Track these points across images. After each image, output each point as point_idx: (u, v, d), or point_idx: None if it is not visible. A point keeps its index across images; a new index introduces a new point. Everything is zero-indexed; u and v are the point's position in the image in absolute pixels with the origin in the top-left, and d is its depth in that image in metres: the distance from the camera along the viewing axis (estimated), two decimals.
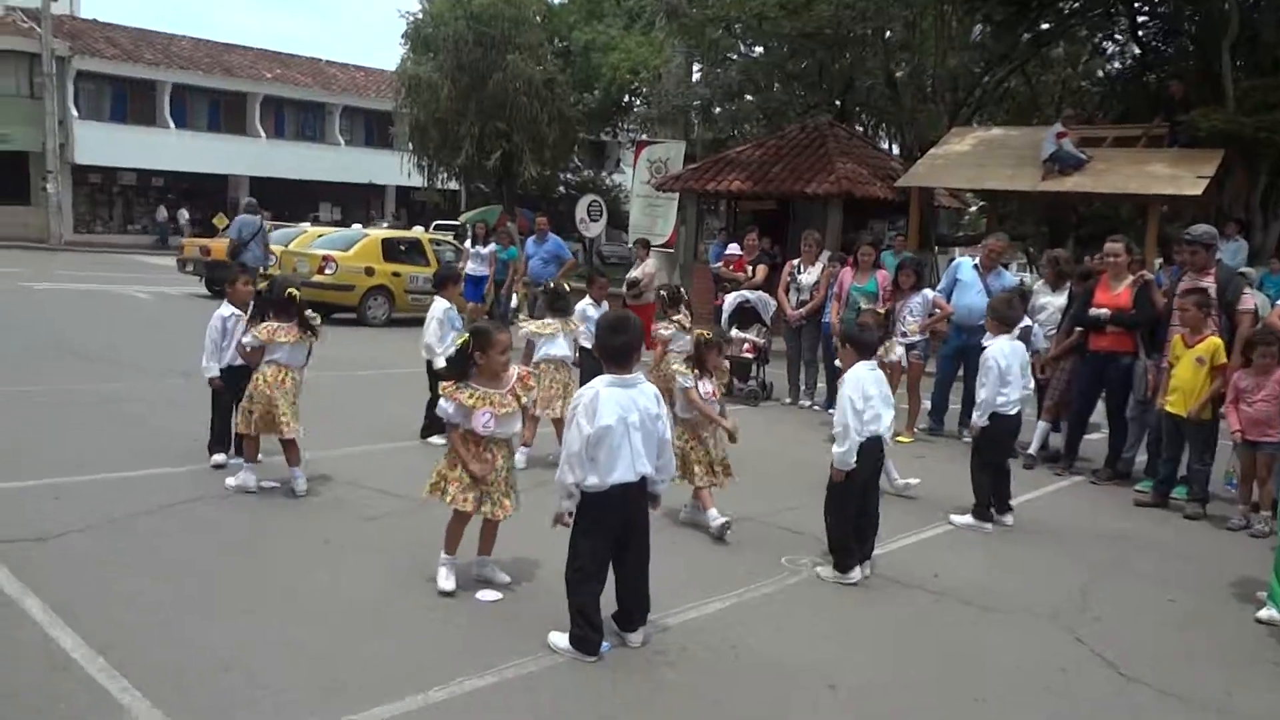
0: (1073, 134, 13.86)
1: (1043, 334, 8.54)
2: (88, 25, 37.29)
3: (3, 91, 32.74)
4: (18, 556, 4.69)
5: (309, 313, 6.21)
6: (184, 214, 35.98)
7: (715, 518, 5.82)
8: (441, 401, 4.62)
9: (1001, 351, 6.40)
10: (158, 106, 36.02)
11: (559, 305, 7.45)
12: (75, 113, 33.65)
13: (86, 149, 33.78)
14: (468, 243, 15.86)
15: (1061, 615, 4.93)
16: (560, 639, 4.08)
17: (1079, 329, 8.00)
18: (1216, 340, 6.89)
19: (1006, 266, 10.46)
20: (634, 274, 12.92)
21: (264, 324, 6.10)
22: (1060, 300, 8.66)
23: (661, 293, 9.13)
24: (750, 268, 11.86)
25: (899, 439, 8.00)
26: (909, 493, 7.01)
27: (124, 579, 4.56)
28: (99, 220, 36.35)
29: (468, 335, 4.72)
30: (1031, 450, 8.38)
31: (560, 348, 7.28)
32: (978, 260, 9.43)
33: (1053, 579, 5.52)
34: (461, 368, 4.64)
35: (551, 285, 7.91)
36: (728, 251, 12.40)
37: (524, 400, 4.74)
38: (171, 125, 36.12)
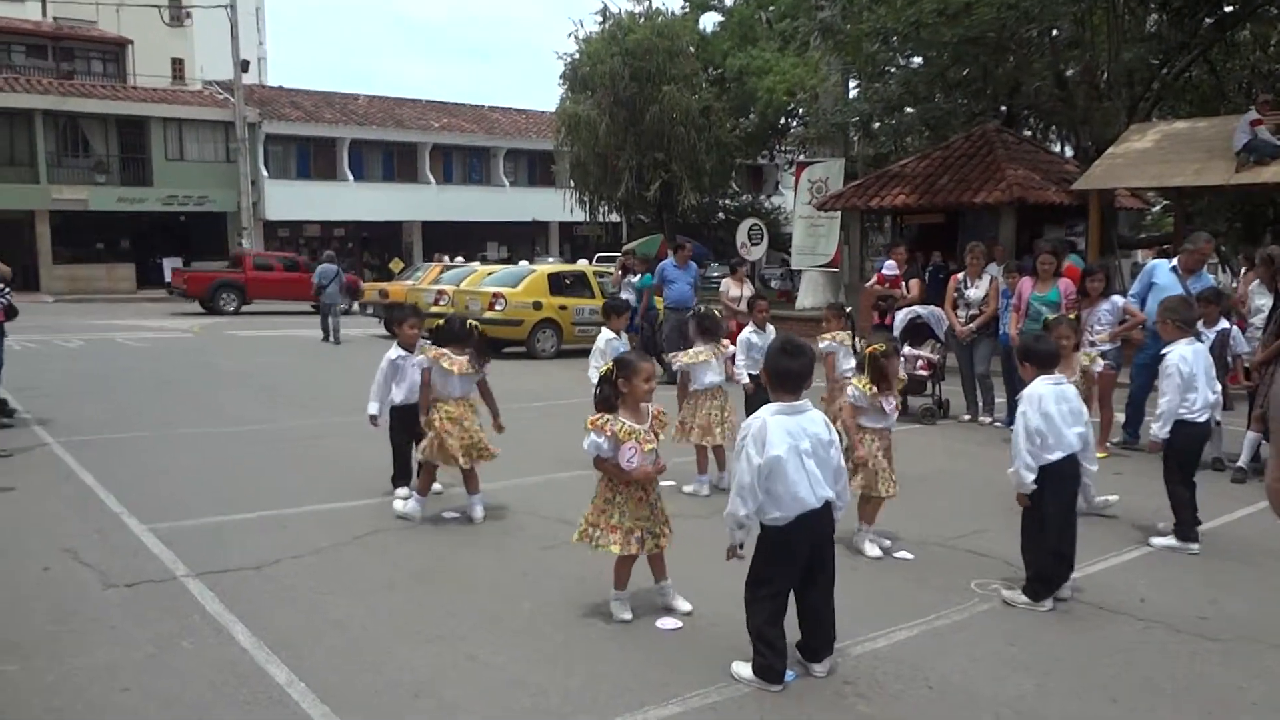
0: (1269, 120, 12.85)
1: (1244, 337, 7.92)
2: (274, 92, 40.31)
3: (203, 158, 35.70)
4: (231, 584, 5.00)
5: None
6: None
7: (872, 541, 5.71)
8: (591, 435, 4.53)
9: (1183, 357, 5.93)
10: (338, 161, 38.38)
11: (709, 329, 7.37)
12: (265, 173, 36.29)
13: (276, 205, 36.35)
14: (617, 273, 15.97)
15: None
16: (744, 668, 4.00)
17: None
18: None
19: None
20: (747, 293, 12.57)
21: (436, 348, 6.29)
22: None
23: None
24: (904, 284, 11.61)
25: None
26: (1107, 511, 6.58)
27: (326, 606, 4.77)
28: None
29: (611, 364, 4.69)
30: (1241, 463, 7.75)
31: (714, 373, 7.21)
32: (1175, 263, 8.83)
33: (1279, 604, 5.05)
34: (607, 398, 4.61)
35: (701, 309, 7.83)
36: (884, 270, 12.08)
37: (661, 437, 4.67)
38: (350, 178, 38.37)
